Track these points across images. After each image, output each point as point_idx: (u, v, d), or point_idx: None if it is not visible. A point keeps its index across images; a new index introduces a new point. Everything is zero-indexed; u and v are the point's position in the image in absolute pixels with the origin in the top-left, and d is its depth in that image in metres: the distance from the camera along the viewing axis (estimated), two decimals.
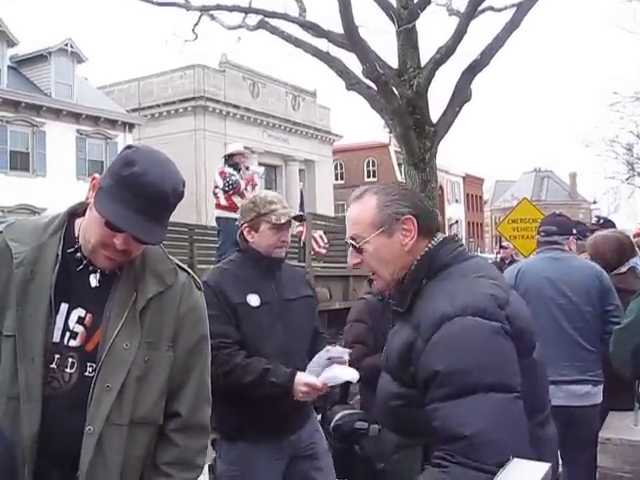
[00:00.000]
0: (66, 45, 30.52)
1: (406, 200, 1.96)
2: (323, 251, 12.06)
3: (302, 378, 3.01)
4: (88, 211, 1.95)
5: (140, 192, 1.82)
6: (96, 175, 1.94)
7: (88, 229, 1.93)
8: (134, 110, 35.24)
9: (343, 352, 3.14)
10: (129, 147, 1.95)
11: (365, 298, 4.15)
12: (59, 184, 27.51)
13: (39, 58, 30.23)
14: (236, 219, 10.24)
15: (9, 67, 29.14)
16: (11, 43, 29.03)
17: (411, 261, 1.95)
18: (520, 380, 1.74)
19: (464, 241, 47.14)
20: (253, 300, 3.15)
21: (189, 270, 2.15)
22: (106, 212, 1.84)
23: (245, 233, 3.29)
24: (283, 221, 3.23)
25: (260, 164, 32.25)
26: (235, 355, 3.05)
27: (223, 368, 2.98)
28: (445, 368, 1.71)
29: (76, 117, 30.46)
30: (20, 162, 28.64)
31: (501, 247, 16.49)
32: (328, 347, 3.14)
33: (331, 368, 3.04)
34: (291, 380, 3.01)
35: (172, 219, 2.05)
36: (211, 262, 10.95)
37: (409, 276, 1.94)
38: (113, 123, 32.10)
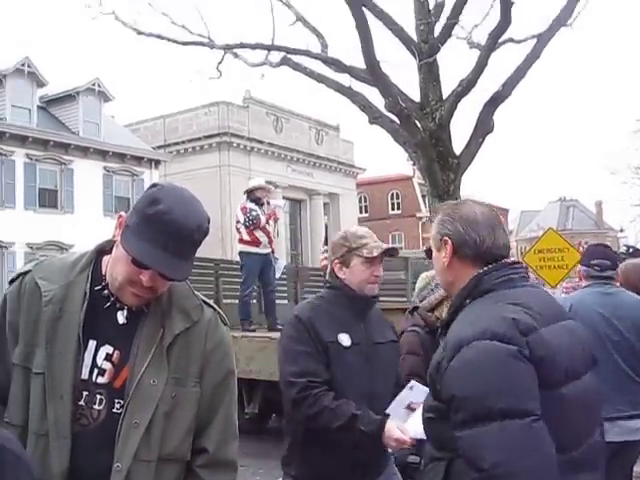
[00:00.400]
0: (93, 85, 31.11)
1: (450, 224, 2.11)
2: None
3: (392, 432, 2.87)
4: (115, 249, 1.97)
5: (165, 229, 1.85)
6: (122, 213, 1.97)
7: (115, 266, 1.95)
8: (160, 147, 35.69)
9: (425, 391, 3.06)
10: (154, 185, 1.98)
11: (415, 330, 4.09)
12: (86, 220, 27.88)
13: (67, 98, 30.87)
14: (258, 254, 10.27)
15: (39, 107, 29.76)
16: (41, 84, 29.68)
17: (453, 278, 2.11)
18: (538, 404, 1.73)
19: None
20: (344, 339, 3.04)
21: (214, 306, 2.17)
22: (132, 250, 1.87)
23: (336, 269, 3.20)
24: (375, 254, 3.13)
25: (284, 198, 32.39)
26: (324, 396, 2.92)
27: (311, 409, 2.90)
28: (461, 393, 1.77)
29: (103, 155, 30.92)
30: (49, 199, 29.12)
31: None
32: (412, 383, 3.02)
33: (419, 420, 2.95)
34: (380, 428, 2.89)
35: (198, 254, 2.07)
36: (236, 297, 10.97)
37: (455, 295, 2.07)
38: (139, 160, 32.51)
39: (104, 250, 2.07)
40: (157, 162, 33.66)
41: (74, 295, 1.97)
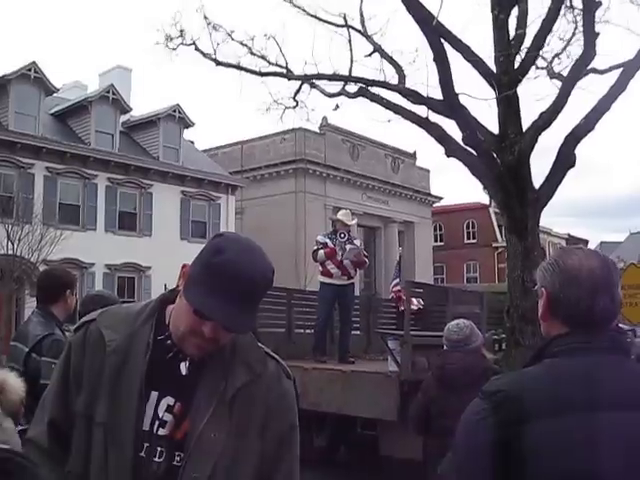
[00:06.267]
0: (174, 111, 31.92)
1: (550, 275, 1.93)
2: (414, 308, 11.40)
3: None
4: (178, 299, 1.95)
5: (229, 280, 1.81)
6: (186, 263, 1.94)
7: (178, 317, 1.93)
8: (237, 172, 36.23)
9: None
10: (218, 235, 1.95)
11: None
12: (163, 244, 28.53)
13: (149, 124, 31.77)
14: (332, 284, 10.25)
15: (121, 132, 30.64)
16: (124, 110, 30.56)
17: (546, 331, 1.97)
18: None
19: None
20: None
21: (278, 358, 2.11)
22: (195, 301, 1.83)
23: None
24: None
25: (359, 226, 32.42)
26: None
27: None
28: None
29: (181, 179, 31.58)
30: (128, 222, 29.87)
31: None
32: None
33: None
34: None
35: None
36: (309, 326, 10.99)
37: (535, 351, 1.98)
38: (217, 185, 33.07)
39: (168, 299, 2.04)
40: (234, 187, 34.18)
41: (137, 345, 1.95)
